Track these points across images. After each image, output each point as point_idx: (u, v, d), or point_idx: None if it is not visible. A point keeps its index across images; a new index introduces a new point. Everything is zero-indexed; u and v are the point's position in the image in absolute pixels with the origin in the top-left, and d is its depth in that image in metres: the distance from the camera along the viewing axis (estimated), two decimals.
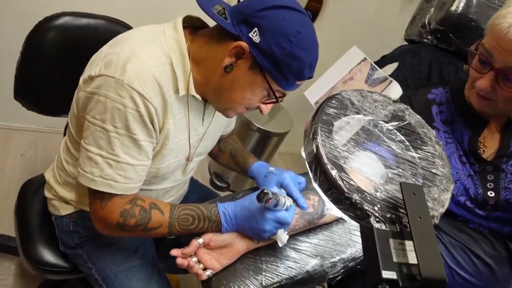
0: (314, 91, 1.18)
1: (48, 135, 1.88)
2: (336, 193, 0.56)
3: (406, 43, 1.44)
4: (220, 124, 0.96)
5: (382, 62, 1.28)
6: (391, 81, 1.03)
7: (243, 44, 0.68)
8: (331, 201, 0.58)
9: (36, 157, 1.76)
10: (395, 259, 0.53)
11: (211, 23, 0.76)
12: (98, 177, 0.71)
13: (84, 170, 0.72)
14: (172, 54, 0.72)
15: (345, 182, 0.56)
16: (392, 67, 1.20)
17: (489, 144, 0.93)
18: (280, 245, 0.80)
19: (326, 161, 0.57)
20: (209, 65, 0.74)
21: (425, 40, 1.31)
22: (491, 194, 0.90)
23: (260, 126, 1.91)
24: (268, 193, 0.69)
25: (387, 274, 0.51)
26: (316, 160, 0.58)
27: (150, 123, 0.71)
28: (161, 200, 0.82)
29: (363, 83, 1.09)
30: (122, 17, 1.09)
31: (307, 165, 0.61)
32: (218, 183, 2.09)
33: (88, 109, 0.71)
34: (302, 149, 0.63)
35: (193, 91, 0.76)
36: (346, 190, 0.55)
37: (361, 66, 1.11)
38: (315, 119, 0.63)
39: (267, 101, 0.78)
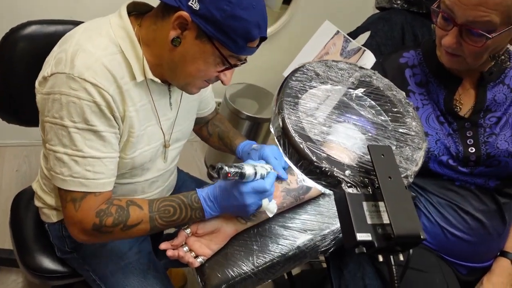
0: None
1: (40, 148, 1.88)
2: (306, 163, 0.56)
3: (378, 11, 1.42)
4: (192, 106, 0.95)
5: (355, 33, 1.27)
6: (364, 51, 1.02)
7: (184, 13, 0.67)
8: (302, 172, 0.58)
9: (31, 170, 1.78)
10: (369, 221, 0.53)
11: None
12: (68, 177, 0.71)
13: (55, 172, 0.72)
14: (121, 42, 0.72)
15: (313, 151, 0.56)
16: (364, 36, 1.20)
17: (465, 101, 0.93)
18: (270, 215, 0.77)
19: (293, 133, 0.58)
20: (159, 44, 0.73)
21: (395, 6, 1.29)
22: (471, 150, 0.90)
23: (249, 114, 1.91)
24: (222, 167, 0.66)
25: (361, 236, 0.51)
26: (283, 134, 0.58)
27: (109, 113, 0.71)
28: (139, 198, 0.81)
29: (338, 56, 1.09)
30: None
31: (276, 140, 0.61)
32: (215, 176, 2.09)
33: (46, 111, 0.71)
34: (270, 126, 0.63)
35: (150, 75, 0.75)
36: (314, 159, 0.55)
37: (335, 39, 1.10)
38: (280, 94, 0.63)
39: (224, 69, 0.76)
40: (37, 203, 0.96)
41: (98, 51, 0.70)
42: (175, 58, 0.73)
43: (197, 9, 0.67)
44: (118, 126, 0.74)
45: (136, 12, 0.79)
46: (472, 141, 0.91)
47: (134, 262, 0.90)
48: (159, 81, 0.78)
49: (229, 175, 0.67)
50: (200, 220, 0.79)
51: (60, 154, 0.71)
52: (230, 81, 0.79)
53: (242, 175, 0.69)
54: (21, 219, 1.03)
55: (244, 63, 0.77)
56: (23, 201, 1.08)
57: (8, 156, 1.82)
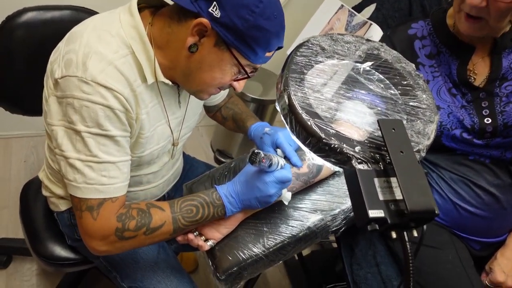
0: None
1: None
2: (314, 140, 0.55)
3: None
4: (198, 103, 0.93)
5: (359, 7, 1.22)
6: (371, 24, 0.99)
7: (204, 20, 0.64)
8: (311, 150, 0.57)
9: (38, 161, 1.78)
10: (381, 198, 0.51)
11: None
12: (82, 184, 0.68)
13: (68, 179, 0.69)
14: (132, 43, 0.69)
15: (321, 128, 0.54)
16: (370, 9, 1.15)
17: (479, 71, 0.90)
18: (286, 203, 0.80)
19: (299, 110, 0.56)
20: (173, 48, 0.70)
21: None
22: (487, 121, 0.88)
23: (254, 96, 1.89)
24: (259, 152, 0.68)
25: (374, 213, 0.50)
26: (290, 111, 0.57)
27: (125, 117, 0.68)
28: (156, 201, 0.79)
29: (343, 31, 1.05)
30: (87, 3, 1.06)
31: (282, 118, 0.59)
32: (222, 159, 2.09)
33: (62, 115, 0.68)
34: (276, 104, 0.61)
35: (162, 78, 0.73)
36: (323, 136, 0.54)
37: (339, 14, 1.07)
38: (285, 70, 0.61)
39: (239, 78, 0.74)
40: (44, 192, 0.96)
41: (111, 54, 0.67)
42: (191, 64, 0.70)
43: (218, 16, 0.64)
44: (130, 130, 0.72)
45: (146, 4, 0.75)
46: (488, 111, 0.88)
47: (143, 247, 0.90)
48: (170, 83, 0.75)
49: (263, 160, 0.68)
50: None
51: (73, 160, 0.67)
52: (242, 88, 0.77)
53: (270, 164, 0.71)
54: (30, 208, 1.04)
55: (256, 71, 0.75)
56: (32, 191, 1.08)
57: (15, 147, 1.82)
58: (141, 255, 0.89)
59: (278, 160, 0.75)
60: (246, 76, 0.73)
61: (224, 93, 1.07)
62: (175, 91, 0.82)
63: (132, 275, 0.87)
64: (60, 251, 0.98)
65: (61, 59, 0.68)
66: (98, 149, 0.67)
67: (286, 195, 0.79)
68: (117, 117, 0.67)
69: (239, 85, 0.76)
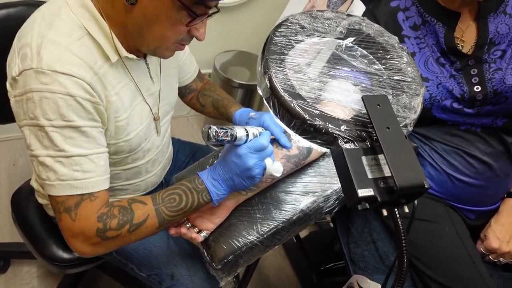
0: None
1: None
2: (298, 122, 0.53)
3: None
4: (173, 76, 0.91)
5: None
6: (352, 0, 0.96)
7: None
8: (296, 132, 0.55)
9: (28, 163, 1.76)
10: (370, 176, 0.50)
11: None
12: (55, 181, 0.65)
13: (42, 179, 0.66)
14: (85, 23, 0.66)
15: (304, 109, 0.53)
16: None
17: (467, 38, 0.89)
18: (278, 175, 0.74)
19: (281, 92, 0.54)
20: (116, 11, 0.66)
21: None
22: (477, 88, 0.87)
23: (241, 82, 1.86)
24: (211, 127, 0.64)
25: (363, 192, 0.49)
26: (272, 94, 0.55)
27: (90, 104, 0.65)
28: (140, 195, 0.79)
29: (325, 7, 1.03)
30: None
31: (265, 102, 0.58)
32: (214, 148, 2.08)
33: (23, 114, 0.64)
34: (258, 87, 0.60)
35: (124, 52, 0.70)
36: (307, 117, 0.52)
37: None
38: (264, 53, 0.59)
39: (191, 22, 0.67)
40: (40, 200, 0.94)
41: (65, 40, 0.63)
42: (137, 19, 0.66)
43: None
44: (100, 120, 0.68)
45: None
46: (477, 79, 0.87)
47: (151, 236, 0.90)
48: (134, 57, 0.73)
49: (219, 134, 0.63)
50: None
51: (43, 157, 0.64)
52: (204, 35, 0.71)
53: (232, 136, 0.66)
54: (26, 214, 1.02)
55: (216, 12, 0.68)
56: (23, 197, 1.06)
57: (2, 151, 1.79)
58: (153, 243, 0.89)
59: (248, 130, 0.69)
60: (195, 16, 0.65)
61: (194, 71, 1.03)
62: (144, 66, 0.79)
63: (148, 264, 0.87)
64: (67, 253, 0.97)
65: (16, 56, 0.65)
66: (65, 143, 0.64)
67: (275, 166, 0.72)
68: (80, 106, 0.64)
69: (199, 32, 0.70)
